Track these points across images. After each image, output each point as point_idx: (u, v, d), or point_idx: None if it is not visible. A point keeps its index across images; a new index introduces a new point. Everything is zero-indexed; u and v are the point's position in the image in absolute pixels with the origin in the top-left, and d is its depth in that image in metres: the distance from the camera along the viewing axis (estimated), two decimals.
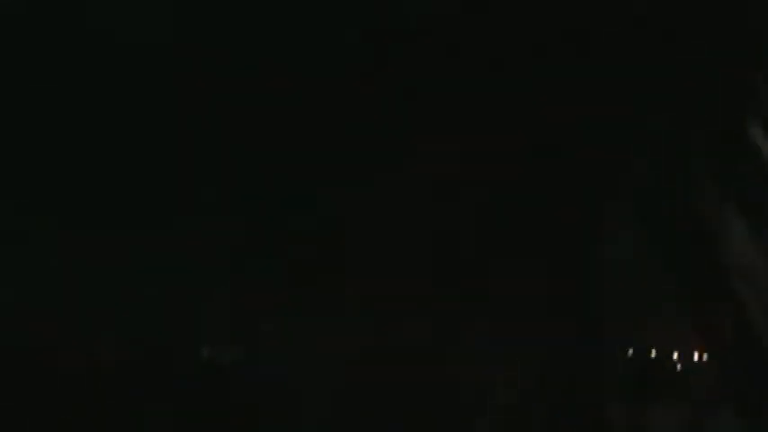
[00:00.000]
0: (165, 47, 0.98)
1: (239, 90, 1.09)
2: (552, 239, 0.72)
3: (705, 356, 1.41)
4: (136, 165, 1.18)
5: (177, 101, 1.06)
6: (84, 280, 1.73)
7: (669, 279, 1.26)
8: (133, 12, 0.89)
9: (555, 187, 0.74)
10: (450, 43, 0.80)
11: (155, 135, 1.15)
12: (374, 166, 0.68)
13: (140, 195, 1.36)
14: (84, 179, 1.29)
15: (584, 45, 0.84)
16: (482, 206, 0.67)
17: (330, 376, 0.66)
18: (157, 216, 1.44)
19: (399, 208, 0.67)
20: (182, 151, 1.20)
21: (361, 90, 0.73)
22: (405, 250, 0.67)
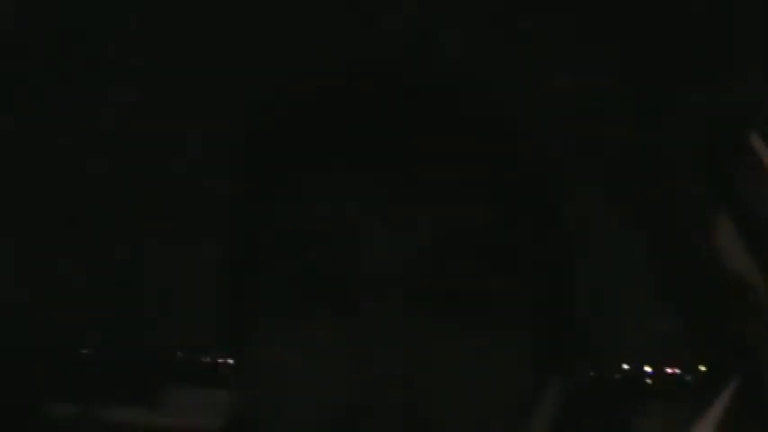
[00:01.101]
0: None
1: (239, 87, 1.05)
2: (546, 242, 0.69)
3: (700, 367, 1.36)
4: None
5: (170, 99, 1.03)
6: (79, 280, 1.67)
7: (663, 287, 1.21)
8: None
9: (552, 190, 0.71)
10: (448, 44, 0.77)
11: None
12: (372, 167, 0.64)
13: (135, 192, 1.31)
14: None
15: (587, 47, 0.80)
16: (477, 206, 0.64)
17: (329, 377, 0.62)
18: (153, 209, 1.39)
19: (397, 207, 0.64)
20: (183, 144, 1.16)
21: (360, 90, 0.70)
22: (404, 250, 0.63)
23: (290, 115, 0.73)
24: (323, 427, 0.61)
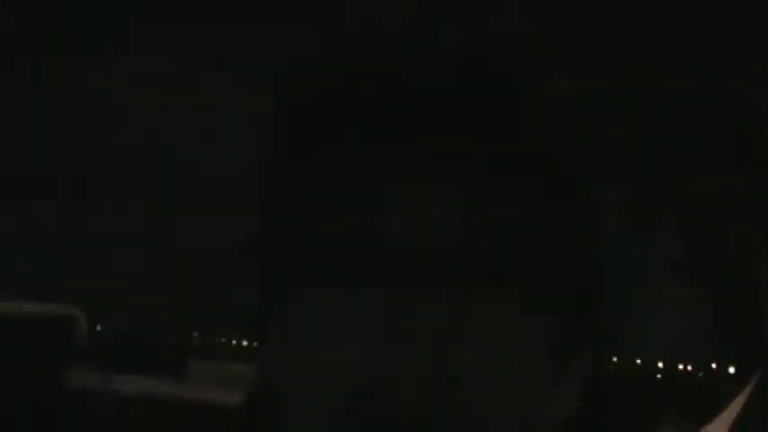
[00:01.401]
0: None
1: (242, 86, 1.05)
2: (570, 237, 0.68)
3: (716, 366, 1.36)
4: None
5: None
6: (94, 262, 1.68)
7: (682, 286, 1.21)
8: None
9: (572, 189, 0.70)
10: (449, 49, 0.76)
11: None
12: (378, 164, 0.64)
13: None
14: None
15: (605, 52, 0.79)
16: (496, 201, 0.63)
17: (342, 367, 0.62)
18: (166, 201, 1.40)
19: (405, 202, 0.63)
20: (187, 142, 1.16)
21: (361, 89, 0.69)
22: (416, 243, 0.63)
23: (294, 113, 0.74)
24: (349, 400, 0.62)
